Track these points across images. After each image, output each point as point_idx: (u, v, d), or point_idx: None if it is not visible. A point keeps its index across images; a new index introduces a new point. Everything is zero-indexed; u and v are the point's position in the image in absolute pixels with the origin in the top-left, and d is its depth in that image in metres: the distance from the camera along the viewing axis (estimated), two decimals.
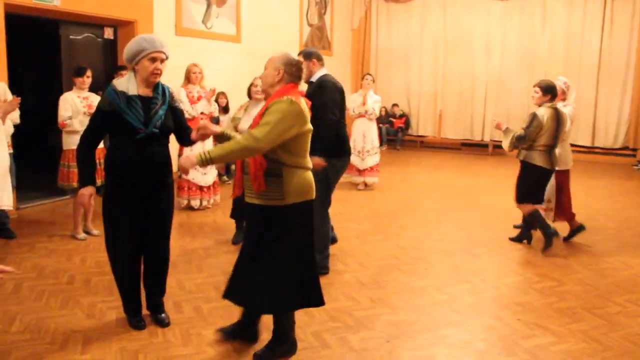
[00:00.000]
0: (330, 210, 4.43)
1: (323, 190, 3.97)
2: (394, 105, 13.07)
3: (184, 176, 6.11)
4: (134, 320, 3.33)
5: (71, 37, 7.06)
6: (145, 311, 3.41)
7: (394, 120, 12.94)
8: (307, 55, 4.23)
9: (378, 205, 6.92)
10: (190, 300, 3.77)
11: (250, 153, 2.77)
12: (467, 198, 7.43)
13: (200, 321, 3.44)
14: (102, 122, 3.12)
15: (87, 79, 5.13)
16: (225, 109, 8.02)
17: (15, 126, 4.87)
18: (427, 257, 4.84)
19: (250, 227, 3.07)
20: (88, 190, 3.13)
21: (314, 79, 4.23)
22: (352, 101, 8.00)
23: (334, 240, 4.72)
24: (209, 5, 8.73)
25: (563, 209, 5.40)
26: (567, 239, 5.42)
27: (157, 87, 3.19)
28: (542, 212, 5.31)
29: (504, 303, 3.86)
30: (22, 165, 5.77)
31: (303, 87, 3.19)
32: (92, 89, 5.33)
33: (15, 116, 4.85)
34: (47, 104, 6.87)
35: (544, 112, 4.93)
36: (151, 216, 3.23)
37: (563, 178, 5.37)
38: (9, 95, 5.04)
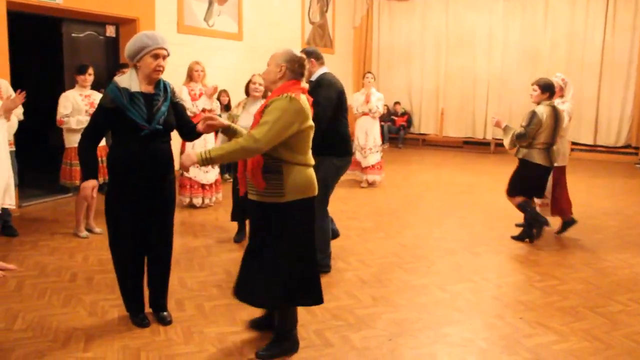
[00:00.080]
0: (332, 208, 4.42)
1: (322, 189, 3.96)
2: (396, 103, 13.05)
3: (185, 174, 6.12)
4: (138, 319, 3.33)
5: (73, 35, 7.06)
6: (147, 309, 3.42)
7: (395, 118, 12.92)
8: (306, 54, 4.21)
9: (380, 204, 6.92)
10: (192, 298, 3.77)
11: (250, 153, 2.77)
12: (469, 196, 7.43)
13: (202, 319, 3.44)
14: (104, 119, 3.10)
15: (89, 77, 5.13)
16: (227, 107, 8.01)
17: (18, 123, 4.87)
18: (429, 256, 4.84)
19: (253, 224, 3.09)
20: (90, 183, 3.09)
21: (313, 78, 4.22)
22: (355, 100, 8.01)
23: (335, 234, 4.65)
24: (210, 3, 8.72)
25: (557, 203, 5.42)
26: (559, 233, 5.46)
27: (158, 84, 3.19)
28: (538, 208, 5.35)
29: (505, 302, 3.86)
30: (25, 163, 5.76)
31: (305, 85, 3.18)
32: (94, 86, 5.34)
33: (19, 112, 4.84)
34: (49, 102, 6.86)
35: (543, 110, 4.95)
36: (153, 213, 3.23)
37: (559, 174, 5.39)
38: (12, 93, 5.04)
